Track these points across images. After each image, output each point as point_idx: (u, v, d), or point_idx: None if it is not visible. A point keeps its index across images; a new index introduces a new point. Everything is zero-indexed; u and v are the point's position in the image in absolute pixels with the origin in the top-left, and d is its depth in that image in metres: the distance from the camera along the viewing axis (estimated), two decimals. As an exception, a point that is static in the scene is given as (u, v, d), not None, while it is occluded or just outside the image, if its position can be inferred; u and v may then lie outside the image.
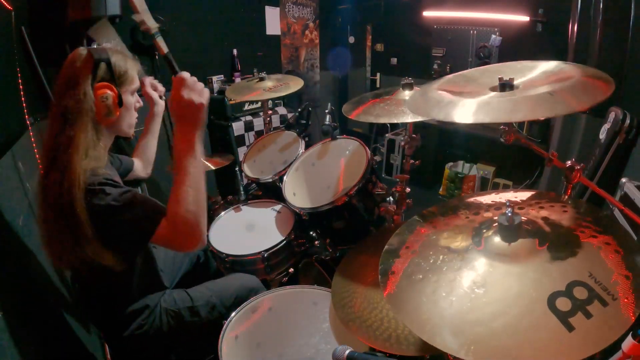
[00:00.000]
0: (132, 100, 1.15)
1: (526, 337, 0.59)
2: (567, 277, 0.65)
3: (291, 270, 1.70)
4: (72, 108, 0.99)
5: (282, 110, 3.29)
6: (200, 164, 1.04)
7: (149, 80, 1.47)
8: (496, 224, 0.78)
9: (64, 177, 0.94)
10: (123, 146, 2.20)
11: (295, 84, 2.12)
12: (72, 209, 0.92)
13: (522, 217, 0.77)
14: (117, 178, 1.18)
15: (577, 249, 0.70)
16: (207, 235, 1.69)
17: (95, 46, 1.08)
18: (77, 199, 0.93)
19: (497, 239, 0.76)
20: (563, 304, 0.61)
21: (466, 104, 0.90)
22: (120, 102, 1.06)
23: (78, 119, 0.99)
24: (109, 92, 1.03)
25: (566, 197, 0.93)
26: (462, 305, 0.67)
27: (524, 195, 0.91)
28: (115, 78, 1.06)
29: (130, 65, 1.12)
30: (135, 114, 1.18)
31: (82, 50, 1.05)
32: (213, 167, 1.97)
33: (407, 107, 1.15)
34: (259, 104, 3.07)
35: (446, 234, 0.85)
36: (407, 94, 1.53)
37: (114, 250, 1.00)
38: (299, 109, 2.15)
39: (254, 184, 2.22)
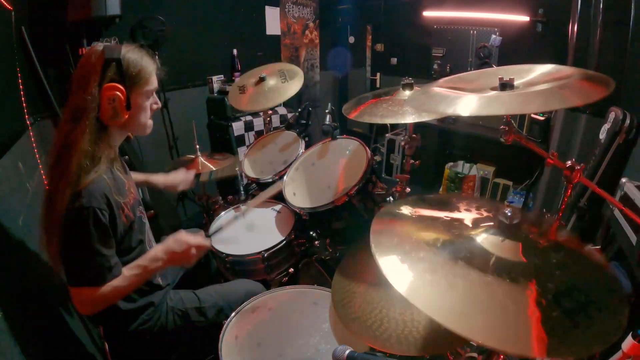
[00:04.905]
0: (146, 102, 1.10)
1: (530, 329, 0.59)
2: (567, 281, 0.66)
3: (291, 270, 1.70)
4: (81, 108, 0.99)
5: (282, 110, 3.28)
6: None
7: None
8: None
9: (62, 176, 0.95)
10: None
11: (296, 82, 2.10)
12: (59, 208, 0.94)
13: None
14: (131, 184, 1.18)
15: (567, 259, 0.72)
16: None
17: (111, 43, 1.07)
18: (62, 200, 0.94)
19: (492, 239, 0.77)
20: (568, 301, 0.62)
21: (474, 99, 0.90)
22: (128, 105, 1.03)
23: (85, 120, 0.98)
24: (117, 93, 1.00)
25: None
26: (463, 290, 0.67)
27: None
28: (126, 79, 1.02)
29: (145, 65, 1.07)
30: (150, 114, 1.14)
31: (99, 47, 1.02)
32: (213, 168, 1.97)
33: (412, 107, 1.14)
34: (259, 104, 3.07)
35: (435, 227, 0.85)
36: (407, 94, 1.54)
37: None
38: (299, 109, 2.15)
39: (254, 184, 2.22)
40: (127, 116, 1.04)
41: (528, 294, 0.64)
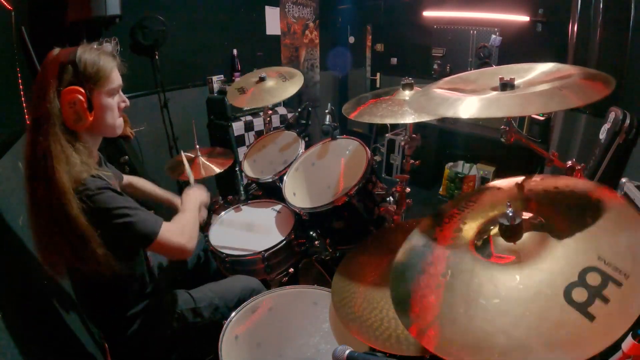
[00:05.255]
0: (110, 101, 1.05)
1: (551, 338, 0.58)
2: (578, 266, 0.64)
3: (291, 270, 1.70)
4: (43, 116, 0.94)
5: (282, 110, 3.29)
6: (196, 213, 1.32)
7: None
8: (497, 225, 0.78)
9: (50, 188, 0.92)
10: (122, 145, 2.20)
11: (296, 82, 2.08)
12: (67, 217, 0.91)
13: (523, 216, 0.76)
14: (115, 183, 1.16)
15: (580, 227, 0.70)
16: (207, 235, 1.69)
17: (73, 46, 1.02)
18: (71, 207, 0.91)
19: (500, 241, 0.76)
20: (579, 294, 0.60)
21: (474, 101, 0.90)
22: (90, 107, 0.99)
23: (50, 128, 0.94)
24: (77, 96, 0.96)
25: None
26: (481, 318, 0.66)
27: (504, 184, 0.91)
28: (85, 80, 0.98)
29: (104, 63, 1.02)
30: (117, 114, 1.09)
31: (55, 52, 1.00)
32: (217, 170, 1.95)
33: (412, 108, 1.13)
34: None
35: (448, 246, 0.84)
36: (407, 94, 1.53)
37: (115, 252, 1.00)
38: (299, 109, 2.14)
39: (254, 184, 2.22)
40: (91, 118, 1.00)
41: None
